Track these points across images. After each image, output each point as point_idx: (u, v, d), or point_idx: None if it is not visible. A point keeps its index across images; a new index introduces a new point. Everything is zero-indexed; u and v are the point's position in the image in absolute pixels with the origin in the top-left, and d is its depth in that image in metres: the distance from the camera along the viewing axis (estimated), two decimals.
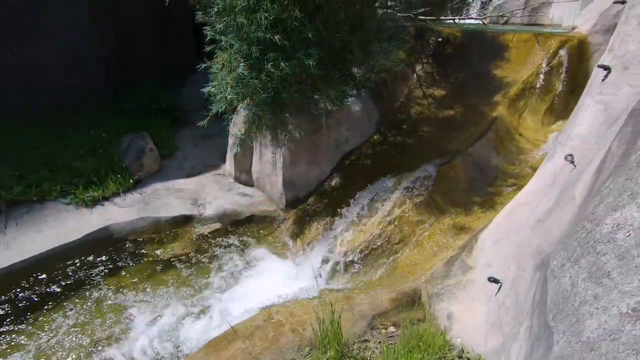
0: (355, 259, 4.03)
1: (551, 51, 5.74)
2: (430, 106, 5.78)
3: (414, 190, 4.36)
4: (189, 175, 6.00)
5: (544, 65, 5.67)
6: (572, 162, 2.48)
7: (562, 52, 5.73)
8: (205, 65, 4.14)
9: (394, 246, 4.07)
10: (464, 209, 4.23)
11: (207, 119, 4.27)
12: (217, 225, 5.12)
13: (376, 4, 4.95)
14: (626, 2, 2.79)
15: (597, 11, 6.04)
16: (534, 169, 3.97)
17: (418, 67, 6.38)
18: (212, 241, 4.98)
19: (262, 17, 3.70)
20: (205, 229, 5.07)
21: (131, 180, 5.41)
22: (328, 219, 4.72)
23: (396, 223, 4.15)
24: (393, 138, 5.45)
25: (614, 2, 4.87)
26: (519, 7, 11.25)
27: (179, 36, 9.69)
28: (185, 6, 5.32)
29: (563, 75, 5.68)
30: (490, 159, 4.70)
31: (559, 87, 5.68)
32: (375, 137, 5.61)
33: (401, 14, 6.00)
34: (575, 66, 5.71)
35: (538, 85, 5.60)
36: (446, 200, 4.34)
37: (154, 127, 6.87)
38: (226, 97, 3.83)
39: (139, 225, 4.93)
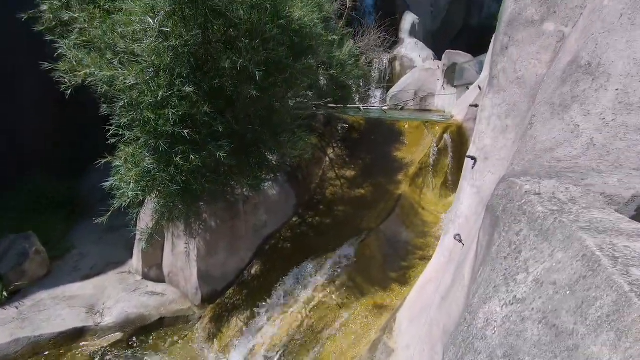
0: (278, 356, 3.73)
1: (437, 136, 6.75)
2: (343, 186, 6.16)
3: (334, 272, 4.38)
4: (86, 277, 5.22)
5: (433, 148, 6.60)
6: (460, 240, 2.76)
7: (446, 136, 6.79)
8: (105, 160, 3.91)
9: (318, 335, 3.90)
10: (382, 287, 4.33)
11: (107, 215, 3.92)
12: (118, 336, 4.40)
13: (288, 95, 5.41)
14: (478, 106, 3.48)
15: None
16: (438, 239, 4.35)
17: (330, 151, 6.90)
18: (108, 359, 4.20)
19: (170, 113, 3.74)
20: (101, 343, 4.30)
21: (5, 293, 4.48)
22: (248, 312, 4.40)
23: (318, 310, 4.04)
24: (311, 219, 5.58)
25: (470, 105, 6.03)
26: (410, 98, 13.31)
27: (82, 124, 9.19)
28: (90, 96, 5.16)
29: (450, 155, 6.66)
30: (400, 234, 5.04)
31: (448, 164, 6.60)
32: (293, 219, 5.67)
33: (313, 102, 6.63)
34: (458, 147, 6.75)
35: (431, 164, 6.43)
36: (365, 280, 4.41)
37: (46, 224, 6.04)
38: (128, 194, 3.59)
39: (11, 351, 3.98)
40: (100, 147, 4.22)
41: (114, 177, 3.87)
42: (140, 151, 3.78)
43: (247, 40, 3.73)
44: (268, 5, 4.00)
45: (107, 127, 4.10)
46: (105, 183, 3.98)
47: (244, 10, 3.86)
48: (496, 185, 1.80)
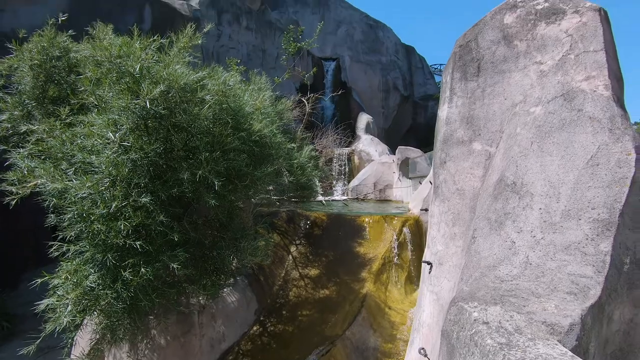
0: None
1: (397, 229, 6.95)
2: (307, 287, 5.94)
3: None
4: None
5: (394, 242, 6.74)
6: (425, 355, 2.65)
7: (405, 230, 7.01)
8: (42, 280, 3.56)
9: None
10: None
11: (36, 342, 3.42)
12: None
13: (250, 192, 5.45)
14: (427, 210, 3.68)
15: (421, 197, 7.88)
16: (407, 342, 4.13)
17: (293, 249, 6.80)
18: None
19: (123, 225, 3.60)
20: None
21: None
22: None
23: None
24: (273, 327, 5.19)
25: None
26: (370, 189, 13.97)
27: (20, 230, 8.58)
28: (29, 204, 4.91)
29: (410, 248, 6.79)
30: (367, 339, 4.76)
31: (409, 258, 6.68)
32: (254, 328, 5.25)
33: (275, 198, 6.72)
34: (417, 239, 6.94)
35: (394, 259, 6.48)
36: None
37: None
38: (63, 319, 3.21)
39: None
40: (40, 255, 3.89)
41: (50, 297, 3.49)
42: (84, 267, 3.51)
43: (208, 153, 3.88)
44: (229, 120, 4.30)
45: (50, 240, 3.84)
46: (40, 305, 3.56)
47: (205, 125, 4.10)
48: (448, 306, 1.82)
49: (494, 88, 2.82)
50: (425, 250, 3.43)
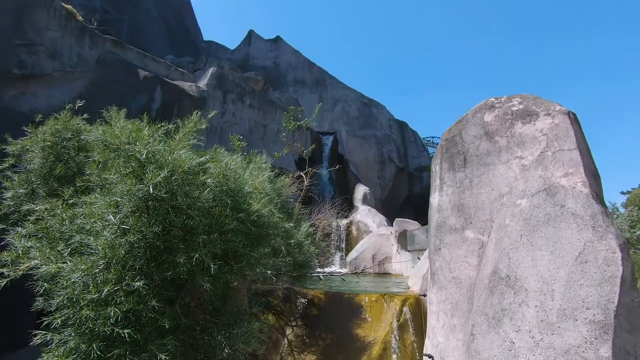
0: None
1: (397, 309, 6.68)
2: None
3: None
4: None
5: (395, 323, 6.43)
6: None
7: (406, 309, 6.73)
8: None
9: None
10: None
11: None
12: None
13: (247, 273, 5.33)
14: (426, 295, 3.60)
15: (420, 274, 7.71)
16: None
17: (288, 331, 6.45)
18: None
19: (113, 312, 3.49)
20: None
21: None
22: None
23: None
24: None
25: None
26: (368, 261, 13.69)
27: None
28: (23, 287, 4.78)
29: (412, 330, 6.45)
30: None
31: (411, 340, 6.31)
32: None
33: (271, 273, 6.54)
34: (419, 320, 6.63)
35: (395, 345, 6.11)
36: None
37: None
38: None
39: None
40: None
41: None
42: (66, 359, 3.31)
43: (206, 236, 3.92)
44: (229, 201, 4.42)
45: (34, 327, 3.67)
46: None
47: (205, 206, 4.20)
48: None
49: (481, 179, 2.97)
50: (426, 340, 3.29)
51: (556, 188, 2.35)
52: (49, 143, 5.75)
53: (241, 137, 10.93)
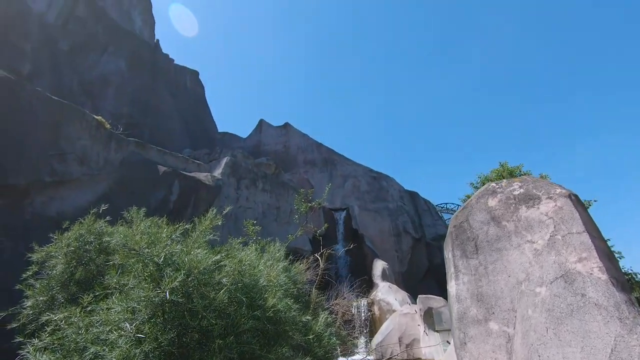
0: None
1: None
2: None
3: None
4: None
5: None
6: None
7: None
8: None
9: None
10: None
11: None
12: None
13: None
14: None
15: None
16: None
17: None
18: None
19: None
20: None
21: None
22: None
23: None
24: None
25: None
26: (395, 345, 12.68)
27: None
28: None
29: None
30: None
31: None
32: None
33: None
34: None
35: None
36: None
37: None
38: None
39: None
40: None
41: None
42: None
43: (221, 340, 3.81)
44: (244, 298, 4.37)
45: None
46: None
47: (220, 307, 4.15)
48: None
49: (495, 265, 2.95)
50: None
51: (573, 275, 2.31)
52: (72, 248, 5.96)
53: (255, 222, 11.12)
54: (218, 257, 4.38)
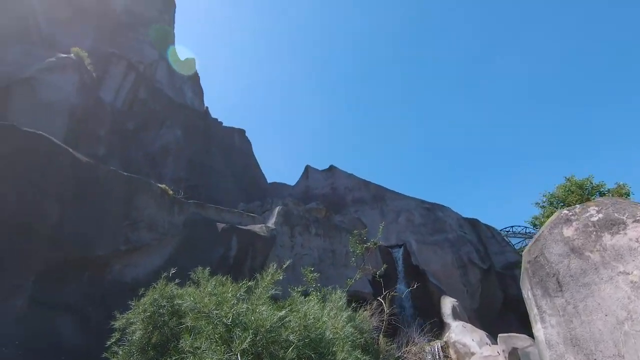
0: None
1: None
2: None
3: None
4: None
5: None
6: None
7: None
8: None
9: None
10: None
11: None
12: None
13: None
14: None
15: None
16: None
17: None
18: None
19: None
20: None
21: None
22: None
23: None
24: None
25: None
26: None
27: None
28: None
29: None
30: None
31: None
32: None
33: None
34: None
35: None
36: None
37: None
38: None
39: None
40: None
41: None
42: None
43: None
44: (312, 354, 4.28)
45: None
46: None
47: None
48: None
49: (587, 303, 2.65)
50: None
51: None
52: (148, 313, 6.32)
53: (312, 269, 11.06)
54: (283, 312, 4.40)
